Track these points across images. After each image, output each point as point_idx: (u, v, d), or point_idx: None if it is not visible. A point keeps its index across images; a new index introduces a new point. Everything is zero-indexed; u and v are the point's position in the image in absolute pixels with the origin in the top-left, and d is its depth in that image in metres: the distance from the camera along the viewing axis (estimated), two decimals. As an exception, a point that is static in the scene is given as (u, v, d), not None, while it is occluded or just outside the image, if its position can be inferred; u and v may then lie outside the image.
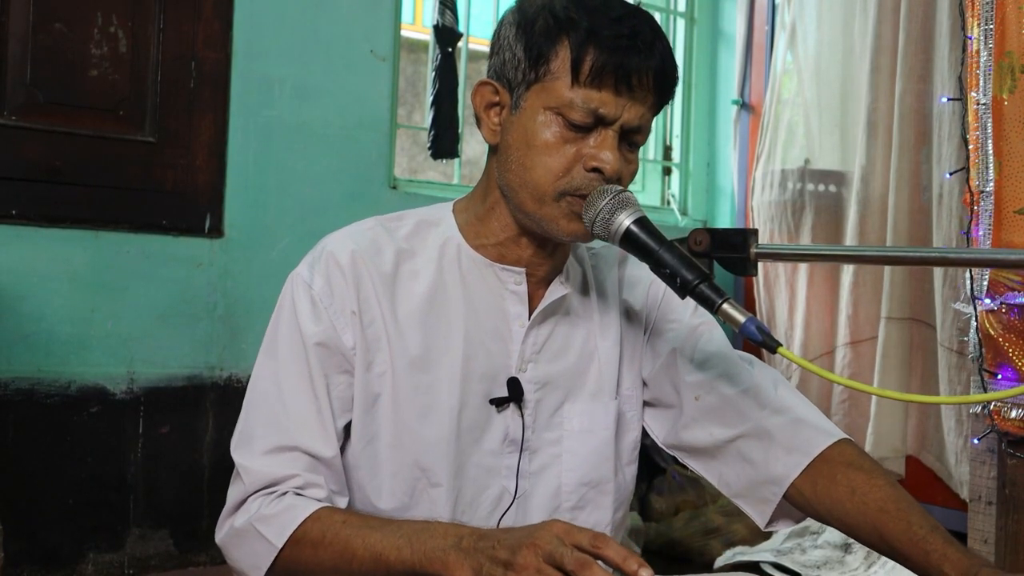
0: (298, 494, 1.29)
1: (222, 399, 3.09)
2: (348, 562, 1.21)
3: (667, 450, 1.52)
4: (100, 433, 2.91)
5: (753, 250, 1.20)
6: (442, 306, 1.38)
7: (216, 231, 3.11)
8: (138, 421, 2.97)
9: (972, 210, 2.61)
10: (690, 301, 1.46)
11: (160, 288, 3.01)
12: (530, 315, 1.41)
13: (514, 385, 1.39)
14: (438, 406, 1.35)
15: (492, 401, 1.38)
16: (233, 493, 1.32)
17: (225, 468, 1.36)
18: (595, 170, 1.29)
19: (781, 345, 1.14)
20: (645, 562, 1.06)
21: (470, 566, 1.11)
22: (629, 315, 1.50)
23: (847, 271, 3.76)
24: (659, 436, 1.52)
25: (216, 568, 2.93)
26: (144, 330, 2.99)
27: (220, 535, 1.32)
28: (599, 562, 1.05)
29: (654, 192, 4.52)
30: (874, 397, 3.57)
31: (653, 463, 3.73)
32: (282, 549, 1.24)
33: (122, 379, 2.95)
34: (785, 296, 4.03)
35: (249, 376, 1.37)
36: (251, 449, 1.31)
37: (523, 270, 1.40)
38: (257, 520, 1.27)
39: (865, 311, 3.67)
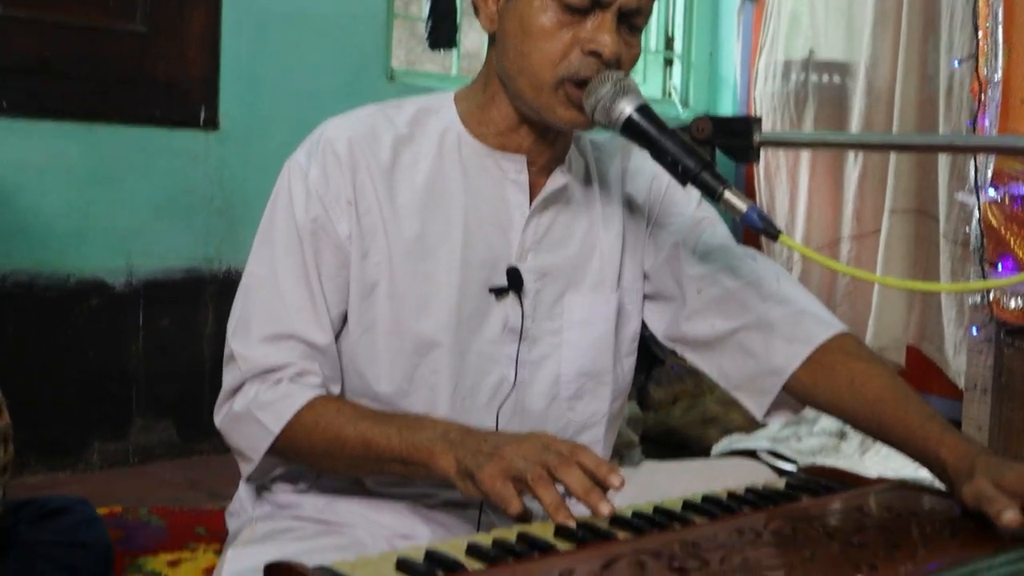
0: (293, 381, 1.31)
1: (221, 291, 3.08)
2: (340, 448, 1.25)
3: (667, 344, 1.52)
4: (101, 326, 2.92)
5: (757, 137, 1.18)
6: (441, 194, 1.37)
7: (211, 123, 3.07)
8: (138, 314, 2.98)
9: (979, 100, 2.57)
10: (693, 195, 1.45)
11: (156, 181, 2.98)
12: (531, 204, 1.39)
13: (514, 274, 1.38)
14: (437, 295, 1.35)
15: (492, 290, 1.38)
16: (229, 378, 1.33)
17: (226, 359, 1.37)
18: (593, 53, 1.27)
19: (782, 233, 1.13)
20: (617, 467, 1.09)
21: (454, 455, 1.15)
22: (631, 207, 1.49)
23: (853, 163, 3.74)
24: (659, 330, 1.51)
25: (219, 457, 2.97)
26: (141, 223, 2.97)
27: (219, 419, 1.35)
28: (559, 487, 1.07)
29: (655, 83, 4.45)
30: (876, 289, 3.58)
31: (652, 354, 3.75)
32: (278, 434, 1.28)
33: (121, 272, 2.94)
34: (786, 187, 4.00)
35: (248, 268, 1.37)
36: (248, 337, 1.32)
37: (524, 158, 1.39)
38: (255, 406, 1.29)
39: (873, 203, 3.64)
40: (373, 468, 1.26)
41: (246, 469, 1.33)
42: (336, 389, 1.36)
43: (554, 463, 1.07)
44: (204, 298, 3.08)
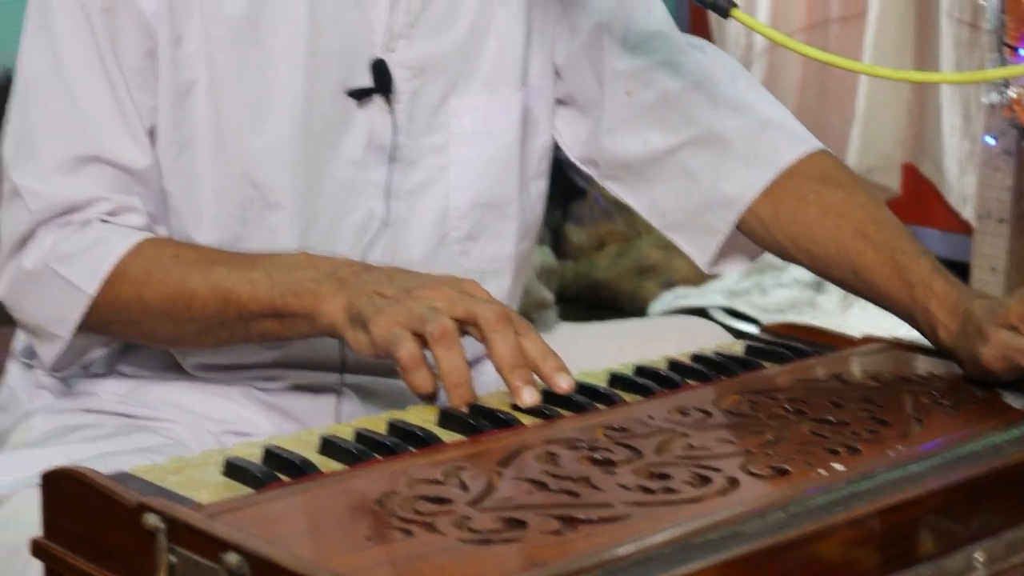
0: (106, 222, 1.29)
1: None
2: (185, 305, 1.23)
3: (582, 166, 1.53)
4: None
5: None
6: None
7: None
8: None
9: None
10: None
11: None
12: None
13: (380, 70, 1.36)
14: (275, 96, 1.32)
15: (350, 93, 1.36)
16: (13, 224, 1.30)
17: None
18: None
19: (736, 6, 1.12)
20: (565, 365, 1.10)
21: (346, 297, 1.14)
22: (538, -30, 1.47)
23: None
24: (573, 147, 1.52)
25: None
26: None
27: (1, 284, 1.32)
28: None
29: None
30: (862, 91, 3.63)
31: (570, 183, 3.77)
32: (95, 296, 1.25)
33: None
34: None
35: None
36: (35, 163, 1.29)
37: None
38: (56, 260, 1.26)
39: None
40: (235, 330, 1.25)
41: (49, 352, 1.30)
42: (163, 231, 1.34)
43: (484, 315, 1.08)
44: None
